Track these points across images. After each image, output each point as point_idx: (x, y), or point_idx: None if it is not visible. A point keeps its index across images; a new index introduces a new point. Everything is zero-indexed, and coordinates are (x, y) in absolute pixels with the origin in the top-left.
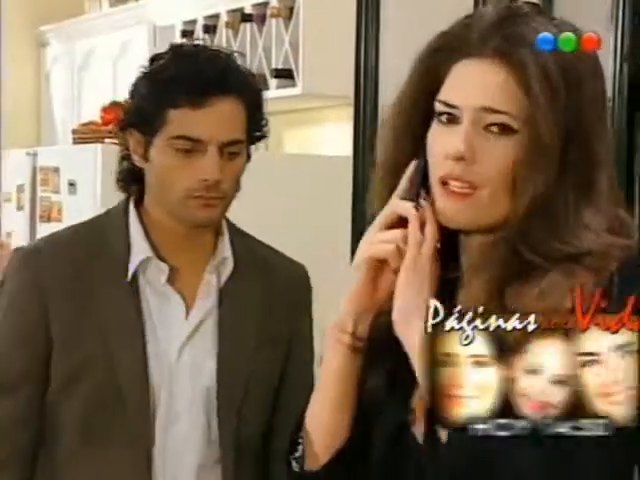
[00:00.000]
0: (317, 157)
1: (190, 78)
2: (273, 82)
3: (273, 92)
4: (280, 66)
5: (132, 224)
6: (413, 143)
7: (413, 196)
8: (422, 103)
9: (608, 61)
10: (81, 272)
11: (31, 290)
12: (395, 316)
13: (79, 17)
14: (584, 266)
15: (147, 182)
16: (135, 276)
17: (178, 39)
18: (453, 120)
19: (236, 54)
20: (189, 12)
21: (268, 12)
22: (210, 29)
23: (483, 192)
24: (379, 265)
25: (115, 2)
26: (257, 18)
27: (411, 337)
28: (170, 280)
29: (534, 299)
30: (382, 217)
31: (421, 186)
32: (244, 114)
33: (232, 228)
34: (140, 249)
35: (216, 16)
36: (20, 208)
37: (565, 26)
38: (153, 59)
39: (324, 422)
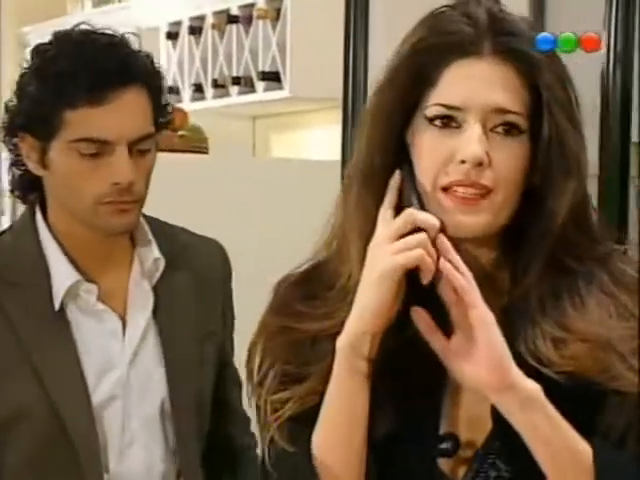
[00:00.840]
0: (305, 161)
1: (85, 71)
2: (260, 85)
3: (260, 95)
4: (267, 69)
5: (45, 241)
6: (394, 150)
7: (409, 205)
8: (405, 107)
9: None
10: (3, 308)
11: None
12: (490, 363)
13: (62, 18)
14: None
15: (48, 191)
16: (61, 303)
17: (163, 41)
18: (449, 124)
19: (128, 34)
20: (174, 13)
21: (255, 13)
22: (196, 30)
23: (497, 196)
24: (402, 277)
25: (98, 3)
26: (244, 19)
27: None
28: (99, 298)
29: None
30: (396, 228)
31: (414, 195)
32: (149, 103)
33: (152, 223)
34: (64, 273)
35: (202, 17)
36: None
37: (530, 24)
38: (37, 51)
39: (339, 458)
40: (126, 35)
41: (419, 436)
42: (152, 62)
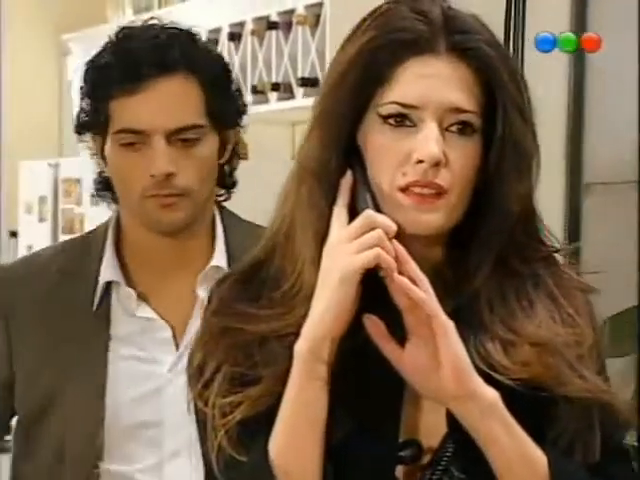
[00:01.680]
0: None
1: (121, 61)
2: (299, 91)
3: (299, 101)
4: (306, 75)
5: (108, 239)
6: (347, 150)
7: (363, 206)
8: (357, 107)
9: None
10: (52, 297)
11: None
12: (452, 372)
13: (102, 25)
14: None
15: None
16: (107, 302)
17: None
18: (404, 122)
19: (193, 30)
20: (214, 20)
21: (294, 20)
22: (235, 37)
23: (452, 195)
24: (359, 279)
25: (138, 10)
26: (283, 26)
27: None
28: (153, 302)
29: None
30: (354, 229)
31: (368, 195)
32: (199, 94)
33: (229, 222)
34: (107, 272)
35: (241, 24)
36: (42, 220)
37: (481, 21)
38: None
39: (301, 464)
40: (191, 30)
41: (378, 442)
42: (213, 55)
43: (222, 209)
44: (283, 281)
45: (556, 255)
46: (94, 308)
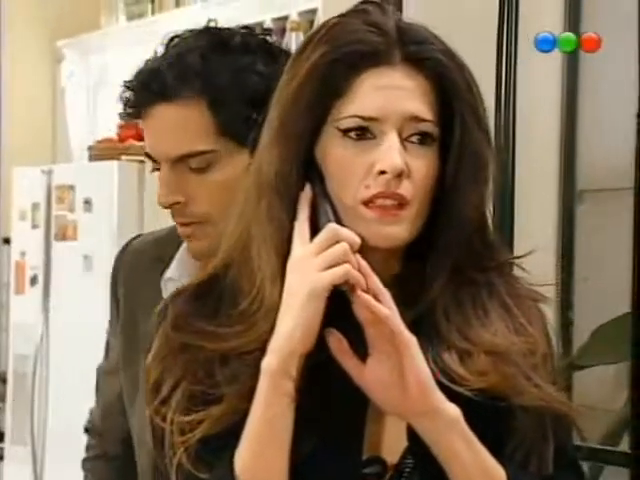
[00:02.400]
0: None
1: (131, 86)
2: None
3: None
4: None
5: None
6: (305, 164)
7: (325, 220)
8: (313, 122)
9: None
10: (144, 281)
11: (112, 286)
12: (416, 388)
13: (95, 32)
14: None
15: None
16: None
17: None
18: (364, 135)
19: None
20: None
21: (288, 26)
22: None
23: (413, 206)
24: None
25: (132, 17)
26: (277, 32)
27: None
28: None
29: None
30: (319, 243)
31: (330, 209)
32: (207, 117)
33: None
34: (172, 272)
35: None
36: (35, 227)
37: (432, 32)
38: None
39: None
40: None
41: (342, 459)
42: (237, 66)
43: None
44: (241, 298)
45: (510, 259)
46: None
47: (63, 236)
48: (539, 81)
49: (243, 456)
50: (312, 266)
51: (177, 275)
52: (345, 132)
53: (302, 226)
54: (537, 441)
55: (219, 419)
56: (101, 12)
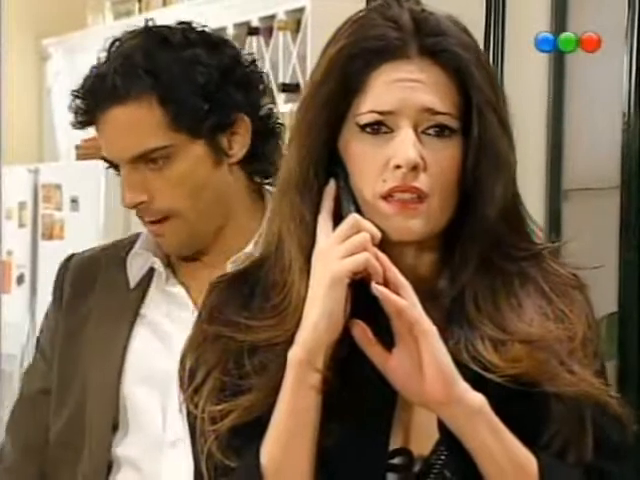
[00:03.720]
0: None
1: (81, 92)
2: (281, 97)
3: (280, 107)
4: (287, 80)
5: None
6: (327, 159)
7: (347, 213)
8: (335, 116)
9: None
10: (98, 278)
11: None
12: (435, 379)
13: (82, 30)
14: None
15: None
16: (146, 284)
17: None
18: (381, 129)
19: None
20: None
21: (275, 25)
22: None
23: (433, 199)
24: (349, 283)
25: (118, 16)
26: (264, 31)
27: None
28: (187, 281)
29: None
30: (340, 232)
31: (352, 203)
32: (159, 114)
33: None
34: (141, 244)
35: (222, 29)
36: (22, 226)
37: (455, 21)
38: None
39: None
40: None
41: (368, 449)
42: (185, 59)
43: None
44: (274, 293)
45: (549, 247)
46: (131, 286)
47: (50, 235)
48: (525, 82)
49: (269, 446)
50: (334, 254)
51: (142, 248)
52: (363, 127)
53: (325, 220)
54: (575, 430)
55: (248, 409)
56: (88, 11)
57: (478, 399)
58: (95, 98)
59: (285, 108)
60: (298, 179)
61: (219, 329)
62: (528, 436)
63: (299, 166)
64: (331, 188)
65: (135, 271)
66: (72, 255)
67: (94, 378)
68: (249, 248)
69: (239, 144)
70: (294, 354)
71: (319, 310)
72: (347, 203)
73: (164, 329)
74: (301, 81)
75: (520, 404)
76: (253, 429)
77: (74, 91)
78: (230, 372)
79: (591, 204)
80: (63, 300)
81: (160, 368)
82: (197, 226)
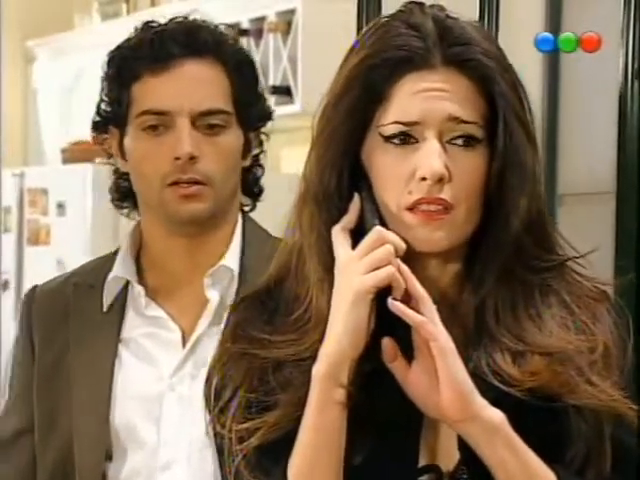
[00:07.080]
0: None
1: (148, 44)
2: (271, 99)
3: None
4: (278, 83)
5: (125, 243)
6: (349, 171)
7: (371, 226)
8: (357, 126)
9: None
10: (69, 308)
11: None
12: (451, 395)
13: (68, 32)
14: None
15: (133, 188)
16: (121, 304)
17: None
18: (407, 140)
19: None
20: None
21: (265, 27)
22: None
23: (459, 210)
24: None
25: (106, 17)
26: (254, 33)
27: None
28: (165, 303)
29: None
30: (364, 246)
31: (375, 215)
32: (226, 81)
33: (249, 228)
34: (118, 269)
35: None
36: (7, 231)
37: (479, 27)
38: None
39: None
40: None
41: (397, 466)
42: (242, 48)
43: (245, 217)
44: (296, 305)
45: (573, 259)
46: (104, 309)
47: (36, 240)
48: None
49: (296, 463)
50: (356, 269)
51: (121, 273)
52: (388, 138)
53: (338, 232)
54: (594, 446)
55: (275, 426)
56: (74, 11)
57: (497, 416)
58: (174, 45)
59: (275, 111)
60: (317, 191)
61: (243, 347)
62: (548, 451)
63: (319, 178)
64: (356, 203)
65: (110, 294)
66: (35, 287)
67: (81, 411)
68: (228, 262)
69: (251, 155)
70: (318, 369)
71: (342, 326)
72: (370, 215)
73: (149, 352)
74: (292, 84)
75: (540, 418)
76: (281, 447)
77: (142, 37)
78: (256, 389)
79: (585, 209)
80: (35, 336)
81: (149, 391)
82: (218, 205)
